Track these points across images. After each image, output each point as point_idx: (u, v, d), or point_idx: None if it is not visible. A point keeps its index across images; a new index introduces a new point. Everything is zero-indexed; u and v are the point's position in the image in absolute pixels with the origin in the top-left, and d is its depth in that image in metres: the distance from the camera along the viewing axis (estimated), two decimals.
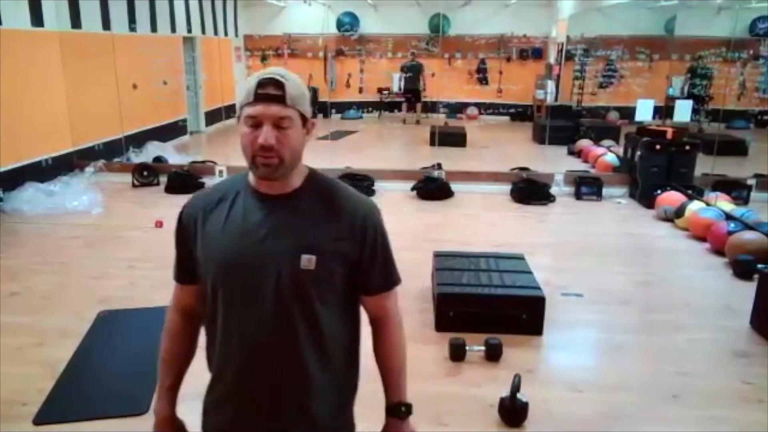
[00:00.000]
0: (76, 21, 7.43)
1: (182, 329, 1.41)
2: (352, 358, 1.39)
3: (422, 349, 3.35)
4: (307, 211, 1.26)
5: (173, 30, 10.05)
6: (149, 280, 4.26)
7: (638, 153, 6.69)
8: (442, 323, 3.54)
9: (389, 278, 1.38)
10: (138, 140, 8.64)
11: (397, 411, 1.39)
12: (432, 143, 9.23)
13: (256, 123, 1.19)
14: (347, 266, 1.28)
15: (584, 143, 9.43)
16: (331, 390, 1.32)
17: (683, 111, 7.43)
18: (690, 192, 6.24)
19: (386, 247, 1.35)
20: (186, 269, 1.36)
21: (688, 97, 9.00)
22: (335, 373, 1.32)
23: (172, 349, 1.41)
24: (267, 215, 1.25)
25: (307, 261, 1.22)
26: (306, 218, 1.25)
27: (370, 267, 1.31)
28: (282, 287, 1.22)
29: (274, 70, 1.21)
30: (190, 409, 1.46)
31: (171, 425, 1.43)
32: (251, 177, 1.29)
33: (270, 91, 1.18)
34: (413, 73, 12.29)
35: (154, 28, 9.39)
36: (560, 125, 10.12)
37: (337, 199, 1.29)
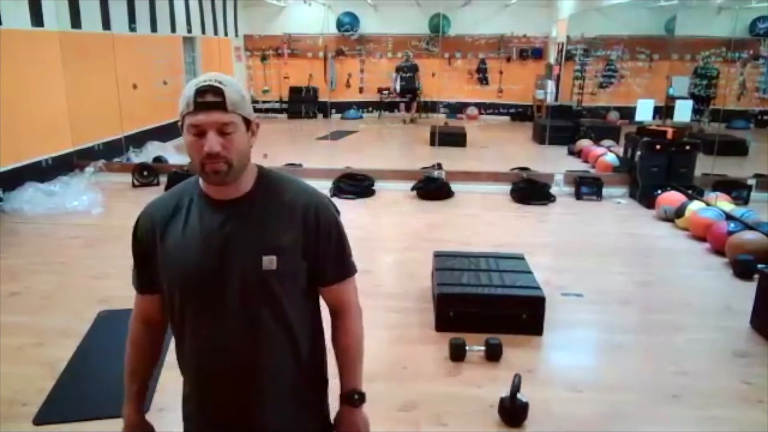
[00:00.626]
0: (76, 21, 7.43)
1: (145, 338, 1.43)
2: (319, 349, 1.41)
3: (422, 349, 3.35)
4: (262, 213, 1.27)
5: (173, 30, 10.05)
6: None
7: (638, 153, 6.68)
8: (442, 323, 3.54)
9: (344, 268, 1.38)
10: (138, 140, 8.65)
11: (351, 398, 1.41)
12: (432, 143, 9.23)
13: (199, 131, 1.18)
14: (307, 260, 1.31)
15: (584, 143, 9.42)
16: (305, 382, 1.37)
17: (683, 111, 7.42)
18: (690, 192, 6.24)
19: (340, 237, 1.36)
20: (146, 279, 1.36)
21: (692, 97, 9.01)
22: (306, 365, 1.36)
23: (136, 358, 1.44)
24: (223, 221, 1.26)
25: (269, 261, 1.24)
26: (262, 219, 1.27)
27: (325, 258, 1.33)
28: (247, 290, 1.25)
29: (211, 76, 1.20)
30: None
31: (140, 428, 1.47)
32: (202, 183, 1.29)
33: (209, 99, 1.17)
34: (411, 73, 12.29)
35: (154, 28, 9.39)
36: (560, 125, 10.11)
37: (289, 195, 1.31)
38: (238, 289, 1.25)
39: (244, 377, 1.29)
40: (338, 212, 1.39)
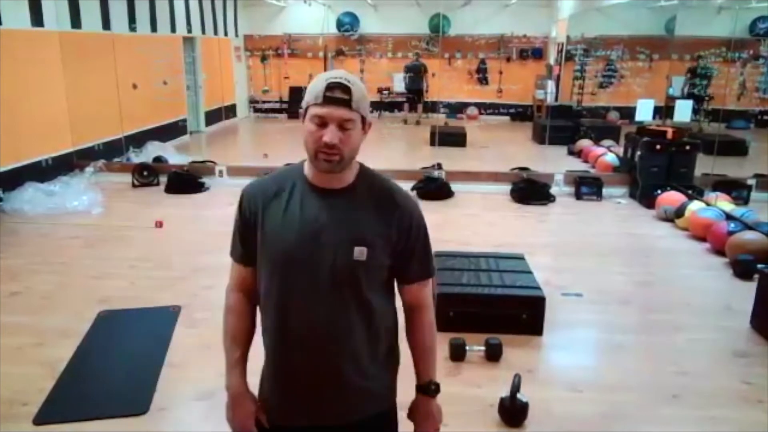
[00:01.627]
0: (76, 21, 7.43)
1: (245, 307, 1.48)
2: (395, 339, 1.50)
3: None
4: (361, 206, 1.37)
5: (173, 30, 10.05)
6: (150, 280, 4.26)
7: (638, 153, 6.69)
8: (442, 323, 3.50)
9: (426, 269, 1.47)
10: (138, 140, 8.64)
11: (428, 389, 1.52)
12: (432, 143, 9.23)
13: (322, 122, 1.28)
14: (393, 258, 1.39)
15: (584, 143, 9.42)
16: (378, 366, 1.45)
17: (683, 111, 7.43)
18: (690, 192, 6.24)
19: (427, 241, 1.46)
20: (248, 251, 1.43)
21: (688, 97, 9.01)
22: (382, 352, 1.45)
23: (237, 325, 1.48)
24: (324, 208, 1.35)
25: (360, 253, 1.33)
26: (359, 212, 1.36)
27: (411, 258, 1.42)
28: (336, 275, 1.34)
29: (341, 73, 1.31)
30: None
31: (246, 399, 1.48)
32: (307, 170, 1.39)
33: (338, 95, 1.27)
34: (416, 73, 12.26)
35: (154, 28, 9.39)
36: (560, 125, 10.12)
37: (387, 194, 1.41)
38: (328, 274, 1.33)
39: (325, 350, 1.37)
40: None
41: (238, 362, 1.47)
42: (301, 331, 1.36)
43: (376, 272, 1.38)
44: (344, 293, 1.35)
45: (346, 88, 1.27)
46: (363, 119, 1.32)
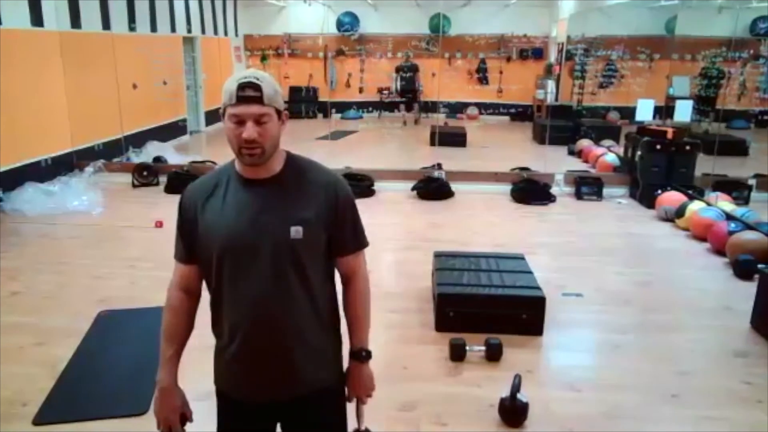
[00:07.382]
0: (76, 21, 7.44)
1: (184, 305, 1.55)
2: (335, 309, 1.58)
3: (422, 349, 3.35)
4: (290, 190, 1.45)
5: (173, 30, 10.05)
6: (149, 280, 4.26)
7: (638, 153, 6.69)
8: (442, 323, 3.54)
9: (358, 240, 1.56)
10: (138, 140, 8.64)
11: (359, 356, 1.59)
12: (432, 143, 9.23)
13: (239, 120, 1.36)
14: (327, 232, 1.48)
15: (584, 143, 9.42)
16: (323, 336, 1.54)
17: (683, 111, 7.43)
18: (690, 192, 6.24)
19: (355, 213, 1.55)
20: (189, 250, 1.52)
21: (698, 99, 9.05)
22: (324, 322, 1.53)
23: (174, 322, 1.55)
24: (257, 197, 1.44)
25: (296, 231, 1.41)
26: (290, 196, 1.45)
27: (343, 231, 1.51)
28: (277, 255, 1.42)
29: (250, 73, 1.38)
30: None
31: (173, 394, 1.55)
32: (237, 166, 1.46)
33: (249, 93, 1.34)
34: (410, 73, 12.24)
35: (154, 28, 9.39)
36: (560, 125, 10.11)
37: (313, 176, 1.49)
38: (270, 254, 1.41)
39: (275, 329, 1.45)
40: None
41: (170, 359, 1.53)
42: (250, 311, 1.44)
43: (314, 248, 1.46)
44: (287, 272, 1.42)
45: (256, 87, 1.34)
46: (278, 112, 1.40)
